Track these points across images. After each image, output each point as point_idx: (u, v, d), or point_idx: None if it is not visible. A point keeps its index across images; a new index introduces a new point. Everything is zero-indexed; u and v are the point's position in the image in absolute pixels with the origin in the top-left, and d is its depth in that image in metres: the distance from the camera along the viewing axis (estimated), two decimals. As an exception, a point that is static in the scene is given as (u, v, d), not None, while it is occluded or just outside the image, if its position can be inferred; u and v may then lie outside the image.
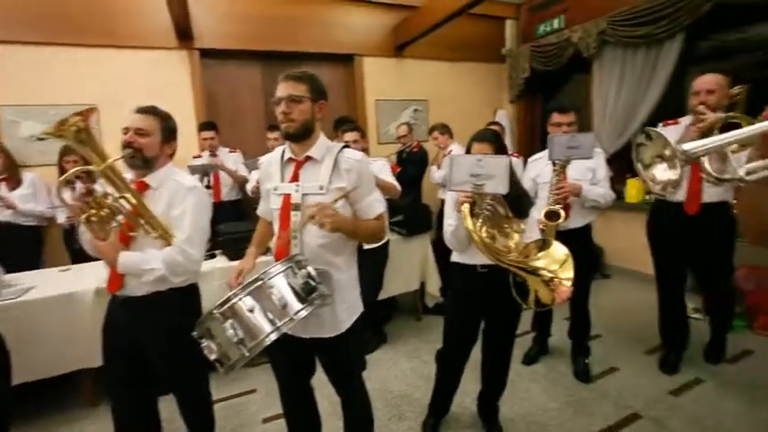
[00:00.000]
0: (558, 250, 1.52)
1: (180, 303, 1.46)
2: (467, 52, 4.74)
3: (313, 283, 1.14)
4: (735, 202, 2.14)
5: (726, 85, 2.10)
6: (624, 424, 2.09)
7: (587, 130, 4.10)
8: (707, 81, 2.07)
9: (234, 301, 1.05)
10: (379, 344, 2.99)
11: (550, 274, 1.47)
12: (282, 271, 1.13)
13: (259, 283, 1.08)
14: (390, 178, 2.80)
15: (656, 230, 2.46)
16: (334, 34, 4.12)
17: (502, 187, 1.41)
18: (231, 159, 3.64)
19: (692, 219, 2.21)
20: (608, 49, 3.82)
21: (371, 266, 2.87)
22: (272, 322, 1.06)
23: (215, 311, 1.04)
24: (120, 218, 1.34)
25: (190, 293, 1.53)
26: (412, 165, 3.74)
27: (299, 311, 1.08)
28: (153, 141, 1.45)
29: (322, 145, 1.42)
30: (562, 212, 2.14)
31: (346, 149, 1.43)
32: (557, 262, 1.49)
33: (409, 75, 4.50)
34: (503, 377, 1.99)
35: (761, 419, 2.03)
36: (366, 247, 2.81)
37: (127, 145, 1.41)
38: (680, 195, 2.21)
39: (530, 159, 2.55)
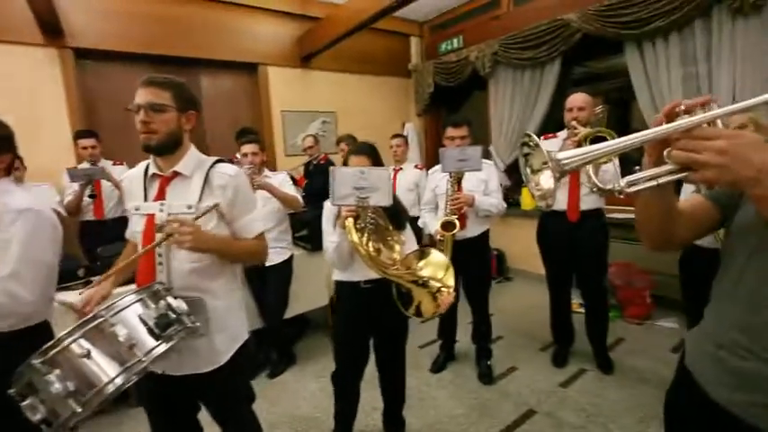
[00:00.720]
0: (438, 257, 1.55)
1: (15, 348, 1.18)
2: (375, 66, 4.82)
3: (173, 316, 1.00)
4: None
5: (593, 103, 2.36)
6: (522, 421, 2.21)
7: (487, 142, 4.41)
8: (577, 99, 2.32)
9: (64, 344, 0.87)
10: (287, 366, 2.85)
11: (438, 284, 1.49)
12: (133, 303, 0.98)
13: (98, 320, 0.91)
14: (292, 191, 2.70)
15: (544, 237, 2.68)
16: (236, 41, 3.92)
17: (386, 199, 1.42)
18: (116, 172, 3.23)
19: (573, 225, 2.44)
20: (501, 69, 4.14)
21: (275, 284, 2.73)
22: (117, 366, 0.90)
23: (34, 361, 0.84)
24: None
25: (30, 336, 1.22)
26: (319, 177, 3.66)
27: (152, 350, 0.94)
28: None
29: (192, 159, 1.29)
30: (457, 222, 2.22)
31: (220, 164, 1.32)
32: (441, 268, 1.52)
33: (316, 86, 4.43)
34: (400, 390, 1.99)
35: (633, 402, 2.28)
36: (268, 263, 2.67)
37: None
38: (562, 204, 2.44)
39: (429, 171, 2.62)
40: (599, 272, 2.58)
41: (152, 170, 1.30)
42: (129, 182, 1.36)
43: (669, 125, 0.71)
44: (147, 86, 1.20)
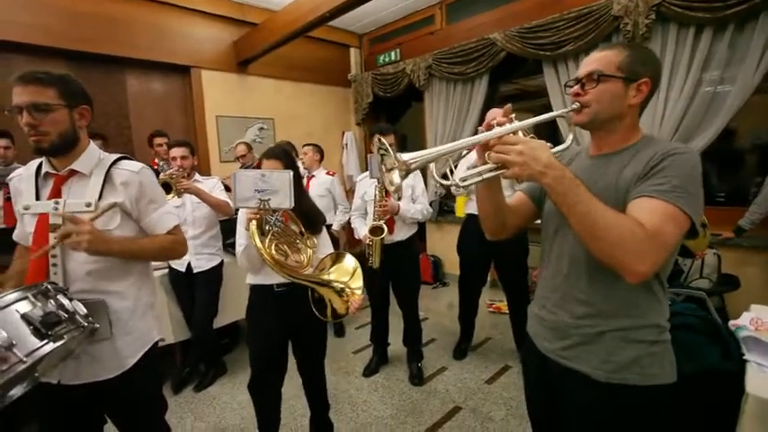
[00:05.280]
0: (348, 263, 1.60)
1: None
2: (316, 74, 4.84)
3: (64, 315, 0.95)
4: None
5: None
6: (448, 417, 2.29)
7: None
8: (494, 112, 2.49)
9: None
10: (216, 377, 2.74)
11: (341, 285, 1.54)
12: (16, 301, 0.91)
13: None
14: (223, 196, 2.64)
15: (463, 241, 2.85)
16: (166, 42, 3.77)
17: (287, 201, 1.46)
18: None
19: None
20: (435, 82, 4.34)
21: (204, 291, 2.64)
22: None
23: None
24: None
25: None
26: (254, 183, 3.59)
27: (35, 350, 0.88)
28: None
29: (91, 156, 1.23)
30: (385, 227, 2.29)
31: (123, 161, 1.27)
32: (347, 273, 1.57)
33: (254, 92, 4.36)
34: (323, 394, 1.98)
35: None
36: (197, 270, 2.59)
37: None
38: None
39: (358, 178, 2.68)
40: (519, 274, 2.77)
41: (45, 169, 1.22)
42: (18, 181, 1.26)
43: (487, 133, 0.90)
44: (25, 84, 1.09)
